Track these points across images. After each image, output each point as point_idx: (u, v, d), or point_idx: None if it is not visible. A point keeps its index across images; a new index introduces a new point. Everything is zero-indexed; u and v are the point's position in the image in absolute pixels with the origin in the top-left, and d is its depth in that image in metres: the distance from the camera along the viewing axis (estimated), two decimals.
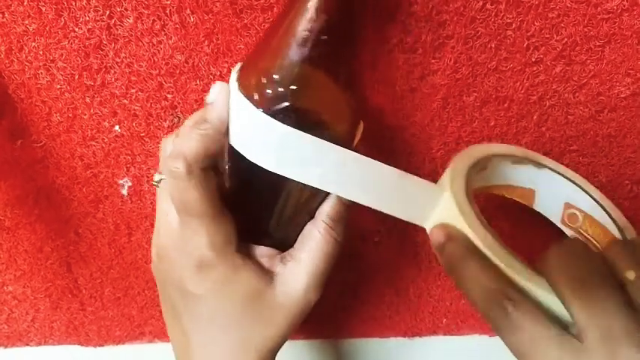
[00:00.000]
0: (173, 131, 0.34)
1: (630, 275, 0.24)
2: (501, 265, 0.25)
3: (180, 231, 0.28)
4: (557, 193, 0.32)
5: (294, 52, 0.25)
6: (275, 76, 0.26)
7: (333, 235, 0.29)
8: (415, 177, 0.27)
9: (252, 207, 0.29)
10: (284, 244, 0.30)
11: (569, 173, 0.33)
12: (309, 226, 0.29)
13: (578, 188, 0.32)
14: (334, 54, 0.27)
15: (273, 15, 0.30)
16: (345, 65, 0.28)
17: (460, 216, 0.26)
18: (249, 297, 0.28)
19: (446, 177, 0.28)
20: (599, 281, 0.24)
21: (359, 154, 0.27)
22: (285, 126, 0.25)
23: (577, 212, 0.32)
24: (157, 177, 0.29)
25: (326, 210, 0.29)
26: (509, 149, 0.33)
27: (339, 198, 0.29)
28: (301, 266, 0.29)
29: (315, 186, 0.27)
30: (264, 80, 0.26)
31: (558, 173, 0.33)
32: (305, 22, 0.25)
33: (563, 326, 0.24)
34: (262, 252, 0.29)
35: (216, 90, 0.27)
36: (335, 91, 0.28)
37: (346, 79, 0.28)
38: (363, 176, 0.27)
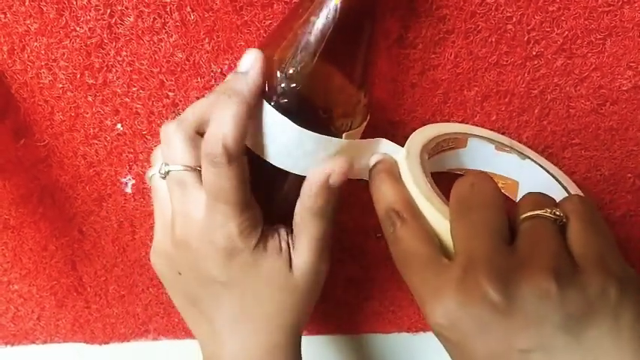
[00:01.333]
0: None
1: (523, 216, 0.25)
2: (414, 195, 0.27)
3: (205, 220, 0.27)
4: (539, 187, 0.32)
5: (309, 46, 0.26)
6: (288, 69, 0.26)
7: (318, 212, 0.28)
8: (384, 140, 0.30)
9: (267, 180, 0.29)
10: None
11: (551, 167, 0.34)
12: (298, 205, 0.29)
13: (559, 184, 0.32)
14: (349, 50, 0.27)
15: (274, 12, 0.30)
16: (360, 62, 0.27)
17: (404, 159, 0.28)
18: (272, 279, 0.29)
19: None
20: (484, 210, 0.24)
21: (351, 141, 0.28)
22: (291, 123, 0.26)
23: None
24: (164, 168, 0.28)
25: (306, 191, 0.28)
26: (491, 134, 0.33)
27: (325, 183, 0.28)
28: (304, 246, 0.29)
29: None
30: (275, 72, 0.26)
31: (540, 166, 0.33)
32: (323, 17, 0.25)
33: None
34: (281, 234, 0.30)
35: (251, 58, 0.26)
36: (346, 88, 0.28)
37: (361, 76, 0.28)
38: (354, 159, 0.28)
